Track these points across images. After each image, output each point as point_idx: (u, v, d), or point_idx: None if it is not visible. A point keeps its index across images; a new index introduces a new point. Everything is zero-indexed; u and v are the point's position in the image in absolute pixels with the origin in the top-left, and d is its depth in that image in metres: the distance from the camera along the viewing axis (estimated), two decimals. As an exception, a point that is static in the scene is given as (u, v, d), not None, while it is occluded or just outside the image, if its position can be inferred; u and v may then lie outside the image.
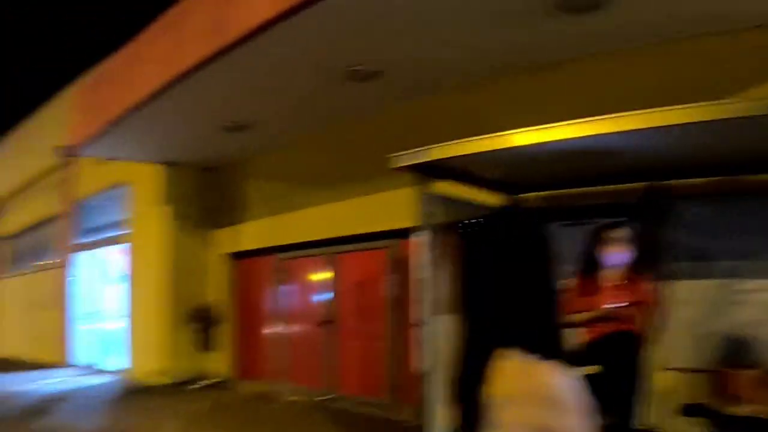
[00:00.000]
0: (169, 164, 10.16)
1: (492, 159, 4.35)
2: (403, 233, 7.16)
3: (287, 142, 8.75)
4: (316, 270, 8.82)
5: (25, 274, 17.04)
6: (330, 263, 8.46)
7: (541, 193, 5.66)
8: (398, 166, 4.41)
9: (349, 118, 7.77)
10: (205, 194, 10.46)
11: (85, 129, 9.26)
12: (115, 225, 12.05)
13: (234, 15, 5.78)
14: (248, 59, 6.08)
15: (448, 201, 4.80)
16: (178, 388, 9.70)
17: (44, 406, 8.69)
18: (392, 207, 7.21)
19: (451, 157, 4.27)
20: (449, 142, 4.25)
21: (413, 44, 5.77)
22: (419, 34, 5.56)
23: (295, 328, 9.10)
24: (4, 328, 18.41)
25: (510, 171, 5.03)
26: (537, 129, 3.88)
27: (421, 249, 4.43)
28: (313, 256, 8.77)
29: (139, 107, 7.54)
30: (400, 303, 7.39)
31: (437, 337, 4.45)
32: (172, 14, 7.20)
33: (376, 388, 7.64)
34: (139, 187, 11.01)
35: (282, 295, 9.28)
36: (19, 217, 17.74)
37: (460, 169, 4.77)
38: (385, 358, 7.53)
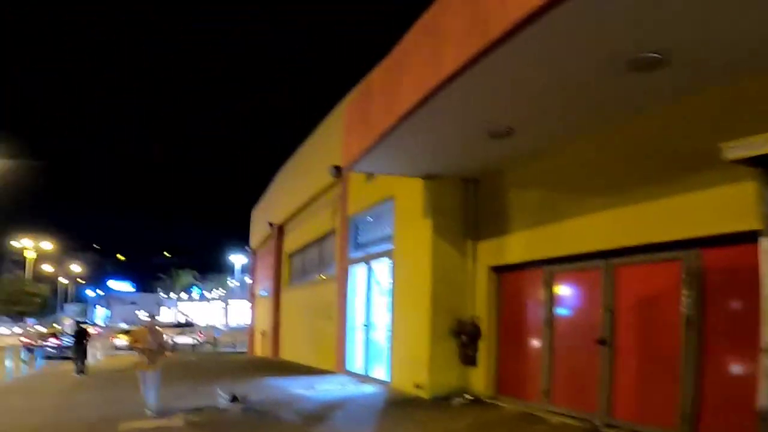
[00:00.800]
0: (431, 177, 10.25)
1: None
2: (702, 242, 6.09)
3: (557, 145, 8.14)
4: (589, 284, 7.98)
5: (306, 286, 18.98)
6: (607, 276, 7.53)
7: None
8: (733, 158, 3.47)
9: (629, 113, 6.90)
10: (467, 206, 10.33)
11: (353, 145, 9.79)
12: (382, 239, 12.61)
13: (496, 9, 5.42)
14: (514, 56, 5.67)
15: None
16: (438, 402, 9.61)
17: (320, 413, 9.25)
18: (687, 212, 6.22)
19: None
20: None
21: (706, 24, 4.86)
22: (713, 11, 4.66)
23: (564, 345, 8.37)
24: (288, 335, 20.76)
25: None
26: None
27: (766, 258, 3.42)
28: (586, 269, 7.97)
29: (402, 120, 7.65)
30: (699, 323, 6.27)
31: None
32: (426, 19, 7.16)
33: (664, 417, 6.57)
34: (402, 202, 11.35)
35: (549, 311, 8.60)
36: (300, 235, 19.92)
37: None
38: (678, 384, 6.41)
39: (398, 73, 7.92)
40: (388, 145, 8.58)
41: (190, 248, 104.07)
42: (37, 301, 60.40)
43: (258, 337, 25.49)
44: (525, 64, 5.89)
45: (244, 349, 28.45)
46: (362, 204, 13.62)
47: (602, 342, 7.47)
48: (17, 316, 59.73)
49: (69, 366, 17.80)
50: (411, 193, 10.73)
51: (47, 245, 60.80)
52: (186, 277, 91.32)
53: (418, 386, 10.19)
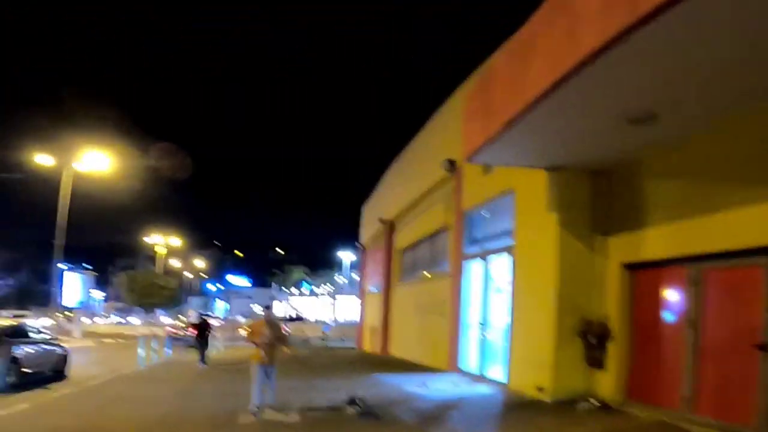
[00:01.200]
0: (555, 169, 9.68)
1: None
2: None
3: (704, 130, 7.35)
4: (747, 283, 7.13)
5: (417, 282, 18.81)
6: (770, 274, 6.67)
7: None
8: None
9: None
10: (595, 199, 9.65)
11: (473, 136, 9.42)
12: (499, 235, 12.14)
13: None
14: (668, 32, 5.09)
15: None
16: (561, 406, 9.07)
17: (436, 414, 8.99)
18: None
19: None
20: None
21: None
22: None
23: (712, 349, 7.56)
24: (397, 331, 20.71)
25: None
26: None
27: None
28: (743, 266, 7.14)
29: (531, 107, 7.19)
30: None
31: None
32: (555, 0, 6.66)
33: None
34: (523, 195, 10.85)
35: (694, 311, 7.81)
36: (412, 231, 19.78)
37: None
38: None
39: (525, 57, 7.48)
40: (513, 134, 8.14)
41: (301, 245, 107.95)
42: (166, 294, 64.87)
43: (367, 332, 25.72)
44: (679, 40, 5.29)
45: (353, 344, 28.82)
46: (478, 198, 13.20)
47: (764, 347, 6.64)
48: (149, 308, 64.63)
49: (192, 356, 18.80)
50: (533, 185, 10.19)
51: (175, 242, 65.29)
52: (297, 272, 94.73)
53: (539, 389, 9.67)
